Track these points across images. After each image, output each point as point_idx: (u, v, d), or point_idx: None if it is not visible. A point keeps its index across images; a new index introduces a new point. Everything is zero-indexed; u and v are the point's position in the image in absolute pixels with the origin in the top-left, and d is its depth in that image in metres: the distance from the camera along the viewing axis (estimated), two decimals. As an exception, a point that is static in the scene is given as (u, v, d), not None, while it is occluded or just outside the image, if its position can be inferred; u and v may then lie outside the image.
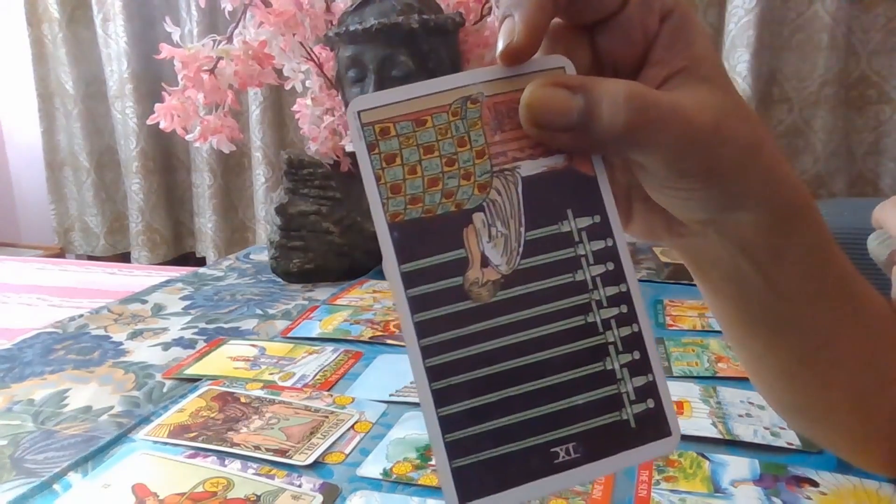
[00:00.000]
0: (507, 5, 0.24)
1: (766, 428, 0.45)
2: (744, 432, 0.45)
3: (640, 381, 0.22)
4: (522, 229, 0.23)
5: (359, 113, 0.23)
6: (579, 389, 0.22)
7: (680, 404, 0.49)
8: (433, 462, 0.42)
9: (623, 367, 0.22)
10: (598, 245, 0.23)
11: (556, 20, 0.25)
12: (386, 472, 0.41)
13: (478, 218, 0.22)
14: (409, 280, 0.22)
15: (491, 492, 0.21)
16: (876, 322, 0.31)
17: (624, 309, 0.23)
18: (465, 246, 0.22)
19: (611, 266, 0.23)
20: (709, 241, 0.27)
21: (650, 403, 0.22)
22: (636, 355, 0.22)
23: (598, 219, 0.23)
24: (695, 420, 0.47)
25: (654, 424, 0.22)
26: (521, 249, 0.22)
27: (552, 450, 0.21)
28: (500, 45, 0.23)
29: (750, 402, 0.49)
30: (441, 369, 0.21)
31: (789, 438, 0.44)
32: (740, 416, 0.47)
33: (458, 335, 0.22)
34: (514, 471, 0.21)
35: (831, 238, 0.29)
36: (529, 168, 0.23)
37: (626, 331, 0.23)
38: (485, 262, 0.22)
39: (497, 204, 0.23)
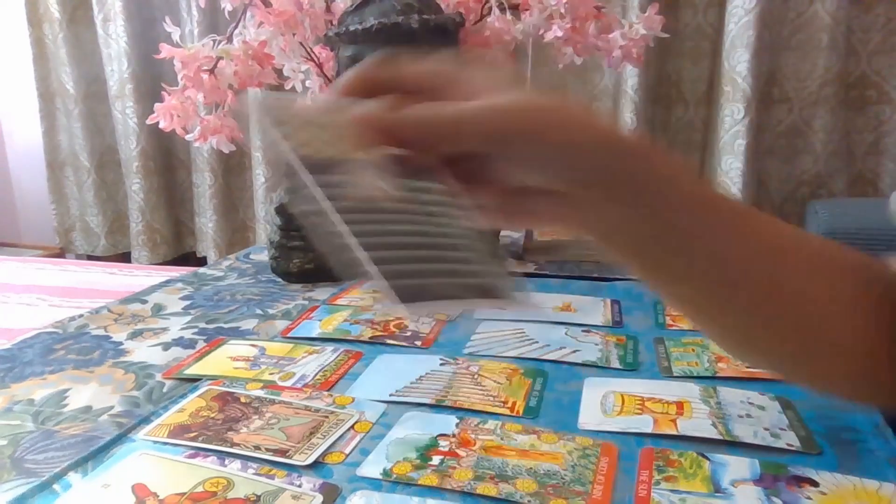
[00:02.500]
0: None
1: (765, 429, 0.46)
2: (744, 433, 0.45)
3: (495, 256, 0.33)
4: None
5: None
6: (463, 258, 0.33)
7: (680, 404, 0.49)
8: (432, 463, 0.42)
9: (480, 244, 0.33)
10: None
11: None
12: (386, 472, 0.41)
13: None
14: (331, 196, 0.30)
15: (419, 299, 0.29)
16: (805, 261, 0.37)
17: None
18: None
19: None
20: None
21: (501, 269, 0.33)
22: (484, 239, 0.34)
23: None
24: (695, 420, 0.47)
25: (507, 286, 0.32)
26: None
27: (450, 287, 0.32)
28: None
29: (750, 403, 0.49)
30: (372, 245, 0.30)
31: (789, 440, 0.44)
32: (740, 416, 0.47)
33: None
34: (428, 293, 0.30)
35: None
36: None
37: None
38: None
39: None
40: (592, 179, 0.33)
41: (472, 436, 0.45)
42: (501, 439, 0.45)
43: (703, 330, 0.42)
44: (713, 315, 0.39)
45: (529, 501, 0.38)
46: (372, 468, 0.42)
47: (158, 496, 0.39)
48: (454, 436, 0.45)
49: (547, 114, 0.32)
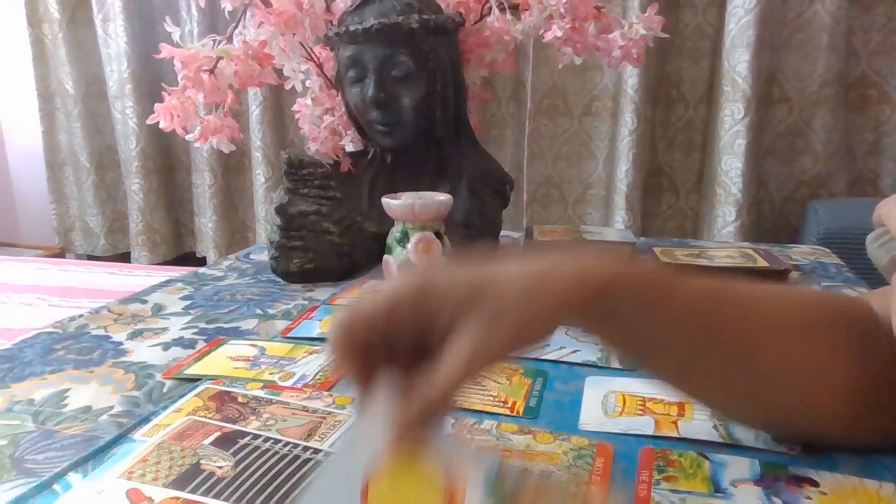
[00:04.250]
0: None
1: (766, 429, 0.45)
2: (745, 436, 0.45)
3: None
4: None
5: None
6: None
7: (681, 406, 0.49)
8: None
9: None
10: None
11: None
12: (386, 473, 0.41)
13: None
14: None
15: None
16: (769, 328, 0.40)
17: None
18: None
19: None
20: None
21: None
22: None
23: None
24: (696, 423, 0.47)
25: None
26: None
27: None
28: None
29: (750, 403, 0.49)
30: None
31: (790, 444, 0.44)
32: (740, 416, 0.47)
33: None
34: None
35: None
36: None
37: None
38: None
39: None
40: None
41: (468, 436, 0.45)
42: (497, 439, 0.45)
43: (691, 400, 0.47)
44: (700, 395, 0.44)
45: (529, 502, 0.38)
46: (372, 468, 0.42)
47: (153, 500, 0.39)
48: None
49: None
